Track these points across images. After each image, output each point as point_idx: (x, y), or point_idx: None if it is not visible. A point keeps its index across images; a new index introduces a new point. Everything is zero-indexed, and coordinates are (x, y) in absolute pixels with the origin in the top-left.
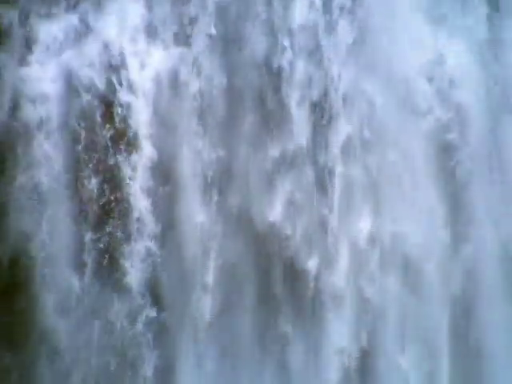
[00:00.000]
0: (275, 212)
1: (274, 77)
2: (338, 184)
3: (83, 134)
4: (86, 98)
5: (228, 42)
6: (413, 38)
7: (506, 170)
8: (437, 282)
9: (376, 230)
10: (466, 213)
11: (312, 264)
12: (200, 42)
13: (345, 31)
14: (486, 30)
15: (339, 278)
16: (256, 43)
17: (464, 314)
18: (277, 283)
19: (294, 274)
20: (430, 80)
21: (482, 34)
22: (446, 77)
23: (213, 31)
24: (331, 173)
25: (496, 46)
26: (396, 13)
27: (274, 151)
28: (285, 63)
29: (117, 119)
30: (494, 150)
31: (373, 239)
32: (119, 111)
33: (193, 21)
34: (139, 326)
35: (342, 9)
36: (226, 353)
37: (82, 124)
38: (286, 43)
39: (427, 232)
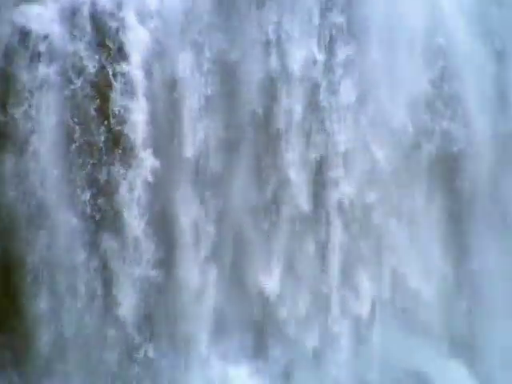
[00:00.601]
0: (273, 283)
1: (273, 136)
2: (338, 255)
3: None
4: None
5: (224, 99)
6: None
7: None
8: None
9: (378, 297)
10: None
11: (311, 341)
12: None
13: (347, 90)
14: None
15: (340, 356)
16: (253, 99)
17: None
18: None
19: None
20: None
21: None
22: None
23: (208, 92)
24: (332, 242)
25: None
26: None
27: (272, 215)
28: (283, 121)
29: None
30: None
31: (374, 309)
32: None
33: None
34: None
35: (344, 66)
36: None
37: None
38: (286, 100)
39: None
